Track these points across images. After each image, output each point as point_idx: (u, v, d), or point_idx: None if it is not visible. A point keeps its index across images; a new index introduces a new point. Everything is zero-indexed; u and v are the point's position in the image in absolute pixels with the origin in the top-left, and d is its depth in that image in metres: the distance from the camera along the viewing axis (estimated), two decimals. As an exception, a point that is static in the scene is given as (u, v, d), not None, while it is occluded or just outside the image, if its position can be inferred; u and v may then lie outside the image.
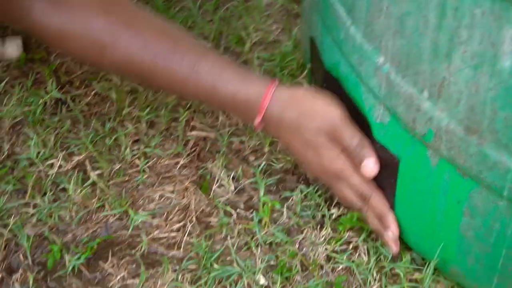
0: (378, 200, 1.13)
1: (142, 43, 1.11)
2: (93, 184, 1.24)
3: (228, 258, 1.17)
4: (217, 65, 1.12)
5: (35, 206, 1.22)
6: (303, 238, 1.19)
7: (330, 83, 1.21)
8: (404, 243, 1.17)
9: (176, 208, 1.22)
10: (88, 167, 1.26)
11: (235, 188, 1.25)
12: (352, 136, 1.10)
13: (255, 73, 1.16)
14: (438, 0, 0.88)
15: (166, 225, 1.20)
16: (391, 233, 1.13)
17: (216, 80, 1.11)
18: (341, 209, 1.22)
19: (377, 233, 1.16)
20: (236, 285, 1.13)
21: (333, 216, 1.21)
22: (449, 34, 0.89)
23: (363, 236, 1.18)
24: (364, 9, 1.01)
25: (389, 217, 1.13)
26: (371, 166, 1.09)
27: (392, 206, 1.13)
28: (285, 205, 1.23)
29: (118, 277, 1.14)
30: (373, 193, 1.12)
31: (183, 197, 1.24)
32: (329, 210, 1.22)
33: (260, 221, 1.20)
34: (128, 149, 1.28)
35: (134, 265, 1.16)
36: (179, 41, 1.14)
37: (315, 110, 1.11)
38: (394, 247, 1.14)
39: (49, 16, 1.11)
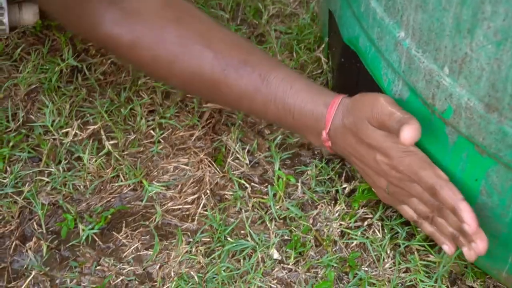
0: (451, 188, 1.00)
1: (214, 54, 1.10)
2: (108, 153, 1.24)
3: (242, 231, 1.16)
4: (288, 77, 1.10)
5: (49, 174, 1.21)
6: (317, 214, 1.19)
7: (348, 57, 1.20)
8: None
9: (191, 180, 1.22)
10: (103, 137, 1.26)
11: (250, 162, 1.25)
12: (391, 112, 1.01)
13: (324, 87, 1.14)
14: (462, -26, 0.87)
15: (180, 197, 1.20)
16: (467, 226, 0.97)
17: (286, 92, 1.09)
18: (353, 183, 1.21)
19: (456, 241, 1.03)
20: (249, 258, 1.13)
21: (346, 191, 1.20)
22: (473, 9, 0.87)
23: (378, 213, 1.18)
24: (386, -17, 1.00)
25: (461, 205, 0.98)
26: (408, 131, 0.96)
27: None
28: (299, 180, 1.22)
29: (132, 248, 1.14)
30: (447, 182, 1.00)
31: (198, 169, 1.23)
32: (341, 185, 1.21)
33: (274, 195, 1.20)
34: (143, 120, 1.28)
35: (148, 236, 1.15)
36: (250, 53, 1.12)
37: (362, 103, 1.05)
38: (480, 243, 0.99)
39: (121, 26, 1.10)
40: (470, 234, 0.98)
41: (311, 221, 1.18)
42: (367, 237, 1.16)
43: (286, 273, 1.13)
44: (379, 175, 1.07)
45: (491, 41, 0.87)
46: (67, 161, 1.23)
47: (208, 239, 1.15)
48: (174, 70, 1.12)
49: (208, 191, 1.20)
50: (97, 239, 1.15)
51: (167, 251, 1.14)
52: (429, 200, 1.03)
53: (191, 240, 1.15)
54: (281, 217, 1.18)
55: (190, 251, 1.13)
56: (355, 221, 1.18)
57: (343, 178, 1.23)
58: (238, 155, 1.25)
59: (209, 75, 1.10)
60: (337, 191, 1.21)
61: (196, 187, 1.21)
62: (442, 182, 1.00)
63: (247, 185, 1.21)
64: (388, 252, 1.15)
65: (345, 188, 1.21)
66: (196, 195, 1.20)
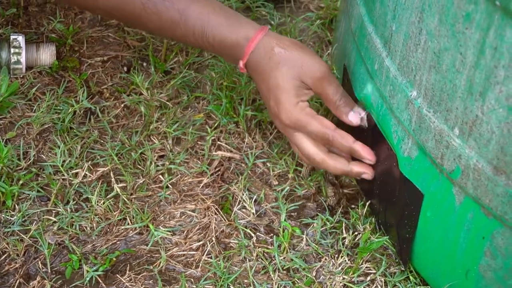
0: (341, 136, 1.15)
1: None
2: (116, 196, 1.25)
3: (245, 280, 1.16)
4: (206, 10, 1.17)
5: (57, 214, 1.22)
6: (320, 266, 1.19)
7: (359, 113, 1.21)
8: (421, 277, 1.17)
9: (197, 227, 1.22)
10: (112, 179, 1.27)
11: (257, 211, 1.25)
12: (338, 86, 1.16)
13: (246, 18, 1.21)
14: (477, 38, 0.88)
15: (186, 243, 1.20)
16: (368, 160, 1.16)
17: (204, 26, 1.17)
18: (358, 236, 1.21)
19: (349, 174, 1.18)
20: (251, 308, 1.13)
21: (350, 243, 1.21)
22: (486, 73, 0.89)
23: (381, 269, 1.18)
24: (401, 42, 1.02)
25: (357, 145, 1.16)
26: (356, 117, 1.16)
27: (413, 239, 1.12)
28: (305, 232, 1.23)
29: (135, 292, 1.14)
30: (334, 132, 1.15)
31: (204, 216, 1.24)
32: (343, 241, 1.21)
33: (279, 246, 1.20)
34: (153, 164, 1.29)
35: (151, 281, 1.16)
36: None
37: (301, 58, 1.15)
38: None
39: None
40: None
41: (314, 273, 1.18)
42: (370, 293, 1.16)
43: (288, 325, 1.13)
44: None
45: (503, 105, 0.88)
46: (75, 201, 1.24)
47: (211, 287, 1.15)
48: (98, 3, 1.19)
49: (213, 239, 1.21)
50: (100, 281, 1.15)
51: (170, 297, 1.14)
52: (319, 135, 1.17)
53: (194, 286, 1.15)
54: (284, 268, 1.18)
55: (193, 298, 1.14)
56: (358, 276, 1.18)
57: (349, 230, 1.23)
58: (245, 204, 1.25)
59: (131, 10, 1.18)
60: (343, 243, 1.21)
61: (202, 234, 1.22)
62: (330, 131, 1.15)
63: (253, 235, 1.22)
64: (390, 309, 1.15)
65: (349, 240, 1.21)
66: (201, 242, 1.20)
